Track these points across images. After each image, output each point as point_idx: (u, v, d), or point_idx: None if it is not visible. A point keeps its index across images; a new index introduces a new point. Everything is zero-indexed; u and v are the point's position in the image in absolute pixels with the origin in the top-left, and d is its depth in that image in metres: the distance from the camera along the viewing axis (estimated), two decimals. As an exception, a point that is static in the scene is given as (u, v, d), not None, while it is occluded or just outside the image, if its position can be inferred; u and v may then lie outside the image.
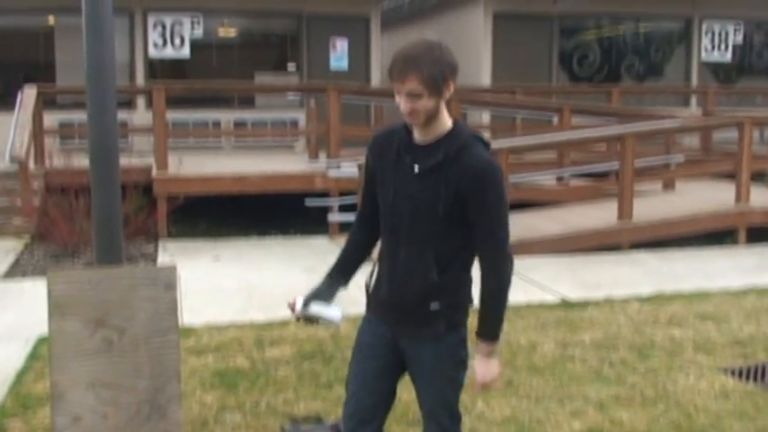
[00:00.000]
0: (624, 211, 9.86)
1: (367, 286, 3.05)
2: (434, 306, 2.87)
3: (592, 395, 5.00)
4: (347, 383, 3.13)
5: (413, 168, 2.84)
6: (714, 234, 10.29)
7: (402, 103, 2.76)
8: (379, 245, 3.05)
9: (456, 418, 3.05)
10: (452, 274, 2.88)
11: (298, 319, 3.01)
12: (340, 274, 3.08)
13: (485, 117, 15.08)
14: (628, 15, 17.00)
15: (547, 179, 11.85)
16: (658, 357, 5.75)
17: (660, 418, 4.69)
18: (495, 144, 10.28)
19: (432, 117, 2.79)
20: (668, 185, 11.98)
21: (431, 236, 2.84)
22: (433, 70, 2.71)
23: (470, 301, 3.00)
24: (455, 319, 2.93)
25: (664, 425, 4.60)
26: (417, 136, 2.86)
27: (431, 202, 2.80)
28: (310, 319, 3.01)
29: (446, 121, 2.84)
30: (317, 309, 2.99)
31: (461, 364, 2.99)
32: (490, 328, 2.91)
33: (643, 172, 11.17)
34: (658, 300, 7.33)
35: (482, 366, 2.93)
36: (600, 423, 4.59)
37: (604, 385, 5.19)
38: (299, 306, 2.99)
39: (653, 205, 10.61)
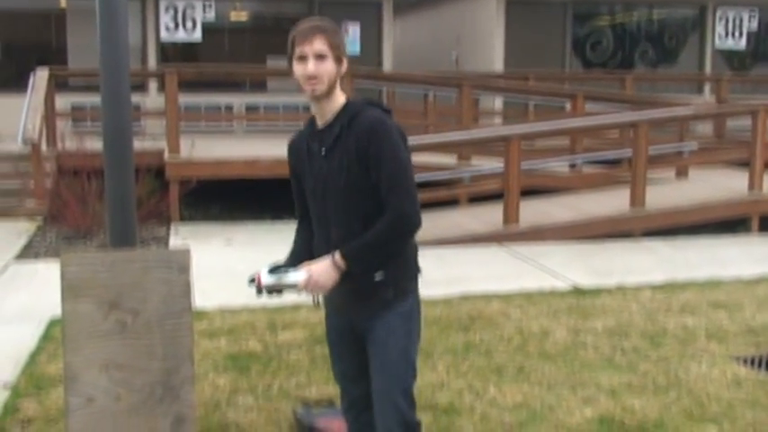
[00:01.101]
0: (637, 199, 9.82)
1: None
2: (379, 276, 2.91)
3: (604, 382, 4.99)
4: (335, 378, 3.24)
5: (320, 152, 2.95)
6: (727, 222, 10.24)
7: (308, 66, 2.84)
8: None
9: (413, 405, 3.04)
10: None
11: (260, 291, 2.90)
12: (297, 260, 3.05)
13: (497, 103, 15.03)
14: (641, 1, 16.92)
15: (559, 166, 11.82)
16: (670, 345, 5.73)
17: (672, 405, 4.67)
18: (508, 130, 10.28)
19: (332, 88, 2.90)
20: (681, 173, 11.93)
21: (354, 209, 2.90)
22: (337, 37, 2.91)
23: (417, 269, 3.05)
24: (402, 286, 2.99)
25: (676, 413, 4.58)
26: (319, 121, 2.97)
27: (344, 175, 2.88)
28: (276, 290, 2.92)
29: (340, 98, 2.95)
30: (283, 273, 2.90)
31: (413, 334, 3.02)
32: (352, 250, 2.86)
33: (656, 159, 11.12)
34: (671, 288, 7.30)
35: (319, 266, 2.86)
36: (612, 410, 4.58)
37: (616, 372, 5.17)
38: (264, 277, 2.89)
39: (665, 193, 10.57)
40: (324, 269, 2.85)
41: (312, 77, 2.85)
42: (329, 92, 2.90)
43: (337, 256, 2.85)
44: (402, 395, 2.99)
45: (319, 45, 2.84)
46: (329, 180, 2.92)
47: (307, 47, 2.84)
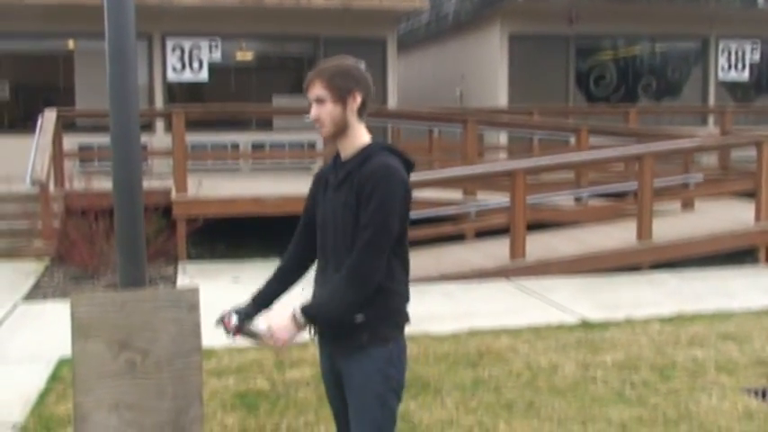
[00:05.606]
0: (643, 232, 9.82)
1: None
2: (359, 318, 2.88)
3: (614, 416, 4.97)
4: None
5: (334, 185, 2.99)
6: (734, 253, 10.23)
7: (311, 111, 2.95)
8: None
9: None
10: (378, 287, 2.87)
11: (233, 333, 3.09)
12: (262, 301, 3.21)
13: (502, 138, 15.09)
14: (644, 35, 17.01)
15: (565, 199, 11.84)
16: (680, 378, 5.71)
17: (683, 439, 4.65)
18: (512, 164, 10.31)
19: (341, 129, 2.95)
20: (687, 205, 11.94)
21: (350, 246, 2.88)
22: (337, 77, 2.92)
23: (404, 317, 2.99)
24: (381, 332, 2.92)
25: (687, 446, 4.56)
26: (341, 155, 3.01)
27: (344, 212, 2.91)
28: (251, 335, 3.07)
29: (363, 138, 2.98)
30: (255, 326, 3.08)
31: (391, 382, 2.93)
32: (311, 308, 2.91)
33: (662, 191, 11.13)
34: (679, 320, 7.28)
35: (280, 322, 2.93)
36: (622, 445, 4.56)
37: (626, 407, 5.15)
38: (234, 322, 3.08)
39: (672, 225, 10.57)
40: (284, 325, 2.91)
41: (316, 121, 2.95)
42: (339, 132, 2.96)
43: (297, 311, 2.89)
44: None
45: (316, 90, 2.92)
46: (334, 213, 2.95)
47: (308, 93, 2.95)
